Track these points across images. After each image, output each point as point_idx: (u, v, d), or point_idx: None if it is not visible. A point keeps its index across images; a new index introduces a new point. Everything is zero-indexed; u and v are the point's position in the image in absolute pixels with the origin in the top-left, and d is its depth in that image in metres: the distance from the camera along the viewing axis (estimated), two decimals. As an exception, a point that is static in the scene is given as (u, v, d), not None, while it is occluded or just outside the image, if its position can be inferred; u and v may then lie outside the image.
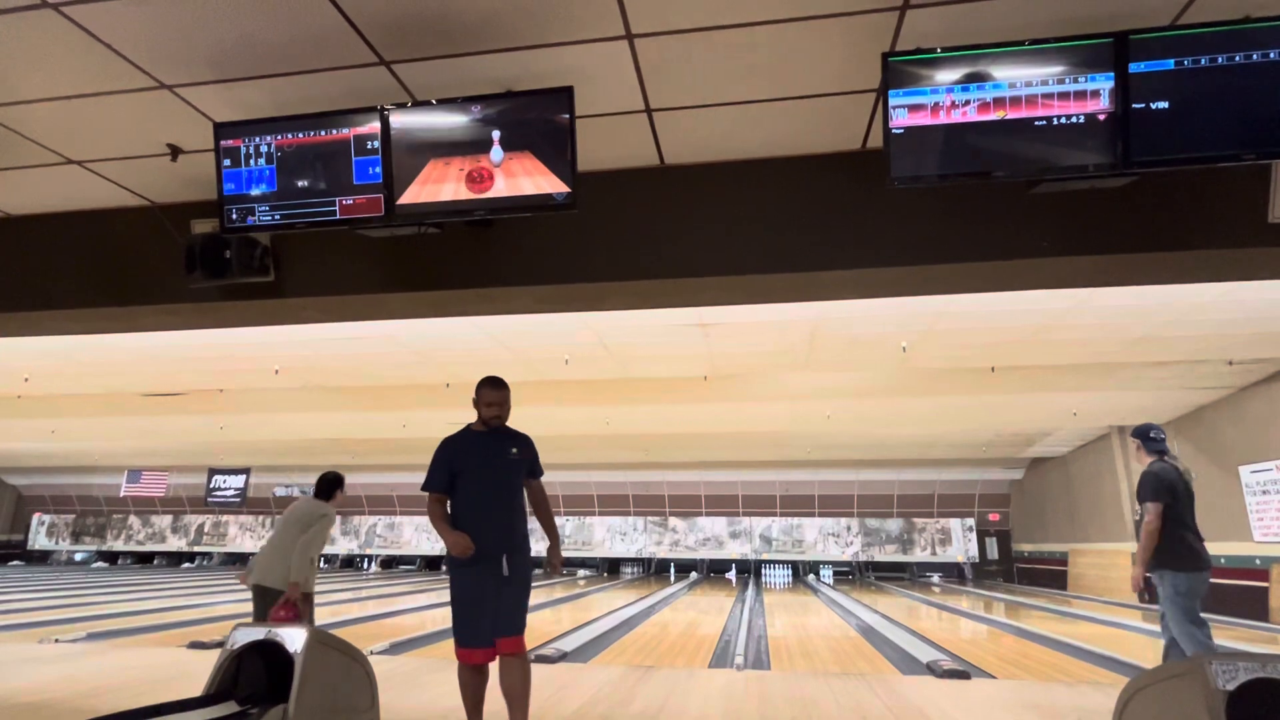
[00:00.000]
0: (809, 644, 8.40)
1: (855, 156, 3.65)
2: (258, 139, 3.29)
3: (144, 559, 25.32)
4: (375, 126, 3.18)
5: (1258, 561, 10.65)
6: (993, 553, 20.80)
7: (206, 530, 24.80)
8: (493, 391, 3.53)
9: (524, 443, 3.57)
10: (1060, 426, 14.18)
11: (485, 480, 3.44)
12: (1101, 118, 2.73)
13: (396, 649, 7.15)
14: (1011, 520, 20.78)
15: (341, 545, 23.67)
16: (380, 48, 2.99)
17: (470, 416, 3.60)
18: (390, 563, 23.91)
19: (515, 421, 3.57)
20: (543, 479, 3.66)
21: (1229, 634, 9.28)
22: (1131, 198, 3.25)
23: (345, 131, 3.21)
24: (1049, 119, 2.77)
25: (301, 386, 10.74)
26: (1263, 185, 3.14)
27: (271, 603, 4.71)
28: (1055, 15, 2.75)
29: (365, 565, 23.88)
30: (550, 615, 10.99)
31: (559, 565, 3.62)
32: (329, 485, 5.17)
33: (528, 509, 3.61)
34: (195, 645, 6.84)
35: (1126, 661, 6.95)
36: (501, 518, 3.42)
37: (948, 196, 3.44)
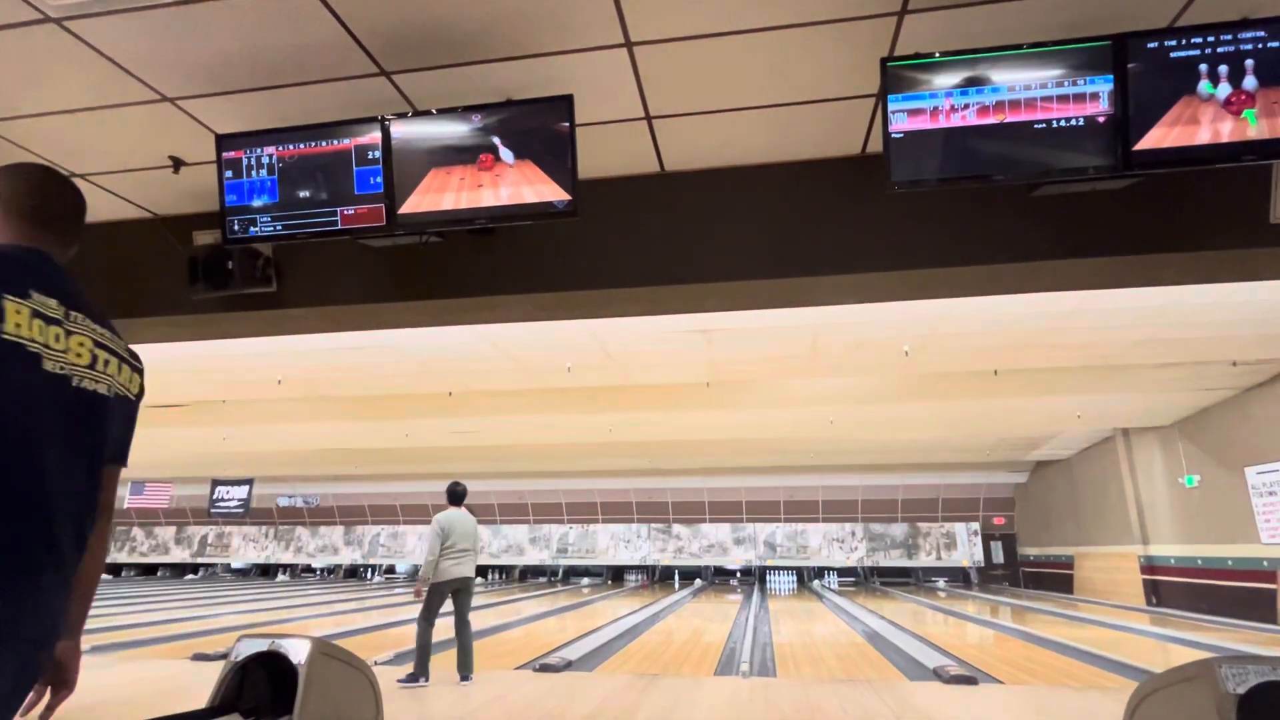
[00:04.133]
0: (815, 650, 8.36)
1: (855, 161, 3.66)
2: (259, 150, 3.30)
3: (148, 571, 25.32)
4: (376, 137, 3.19)
5: (1265, 563, 10.59)
6: (998, 557, 20.74)
7: (210, 541, 24.80)
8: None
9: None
10: (1064, 429, 14.14)
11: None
12: (1101, 120, 2.73)
13: (401, 659, 7.12)
14: (1017, 524, 20.71)
15: (345, 555, 23.64)
16: (380, 58, 3.00)
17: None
18: (393, 571, 23.84)
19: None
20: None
21: (1237, 637, 9.24)
22: (1132, 199, 3.25)
23: (346, 142, 3.22)
24: (1048, 122, 2.76)
25: (304, 397, 10.72)
26: (1263, 186, 3.14)
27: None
28: (1053, 18, 2.76)
29: (369, 575, 23.84)
30: (555, 624, 10.96)
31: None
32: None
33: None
34: (199, 657, 6.82)
35: (1135, 665, 6.91)
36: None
37: (948, 200, 3.44)
